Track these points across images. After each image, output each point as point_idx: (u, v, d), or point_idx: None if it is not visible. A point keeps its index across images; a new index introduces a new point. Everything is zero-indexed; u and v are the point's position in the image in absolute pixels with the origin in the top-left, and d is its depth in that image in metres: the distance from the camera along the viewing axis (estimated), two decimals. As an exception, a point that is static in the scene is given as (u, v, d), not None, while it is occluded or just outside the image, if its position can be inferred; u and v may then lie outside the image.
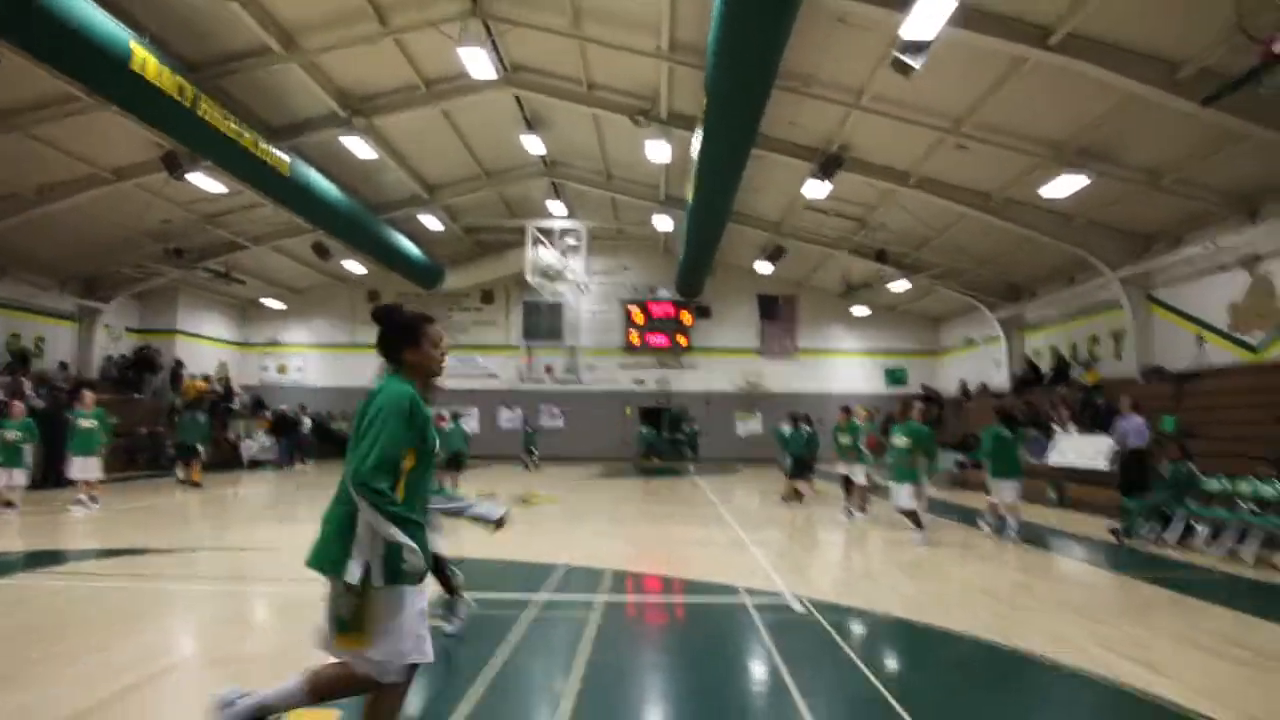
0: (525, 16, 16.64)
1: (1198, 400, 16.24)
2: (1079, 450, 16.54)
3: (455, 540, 10.87)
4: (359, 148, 20.19)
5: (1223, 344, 16.79)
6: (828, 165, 18.41)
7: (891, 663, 5.90)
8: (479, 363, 32.60)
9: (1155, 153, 15.20)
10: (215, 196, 21.25)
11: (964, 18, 12.29)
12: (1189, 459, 11.64)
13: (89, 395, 14.94)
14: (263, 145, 17.09)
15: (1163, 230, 17.86)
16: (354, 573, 3.37)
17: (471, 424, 31.44)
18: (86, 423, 14.46)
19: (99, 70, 13.08)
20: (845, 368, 31.17)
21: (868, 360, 31.62)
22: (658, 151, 20.11)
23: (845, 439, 14.79)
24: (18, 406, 14.10)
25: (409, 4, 16.17)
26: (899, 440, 11.67)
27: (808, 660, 5.79)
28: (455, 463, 17.71)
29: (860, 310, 29.90)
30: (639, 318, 31.97)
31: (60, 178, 19.31)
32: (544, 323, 32.44)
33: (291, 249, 27.14)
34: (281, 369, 33.08)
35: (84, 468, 14.35)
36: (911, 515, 11.55)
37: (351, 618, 3.40)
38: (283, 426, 27.96)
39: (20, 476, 13.36)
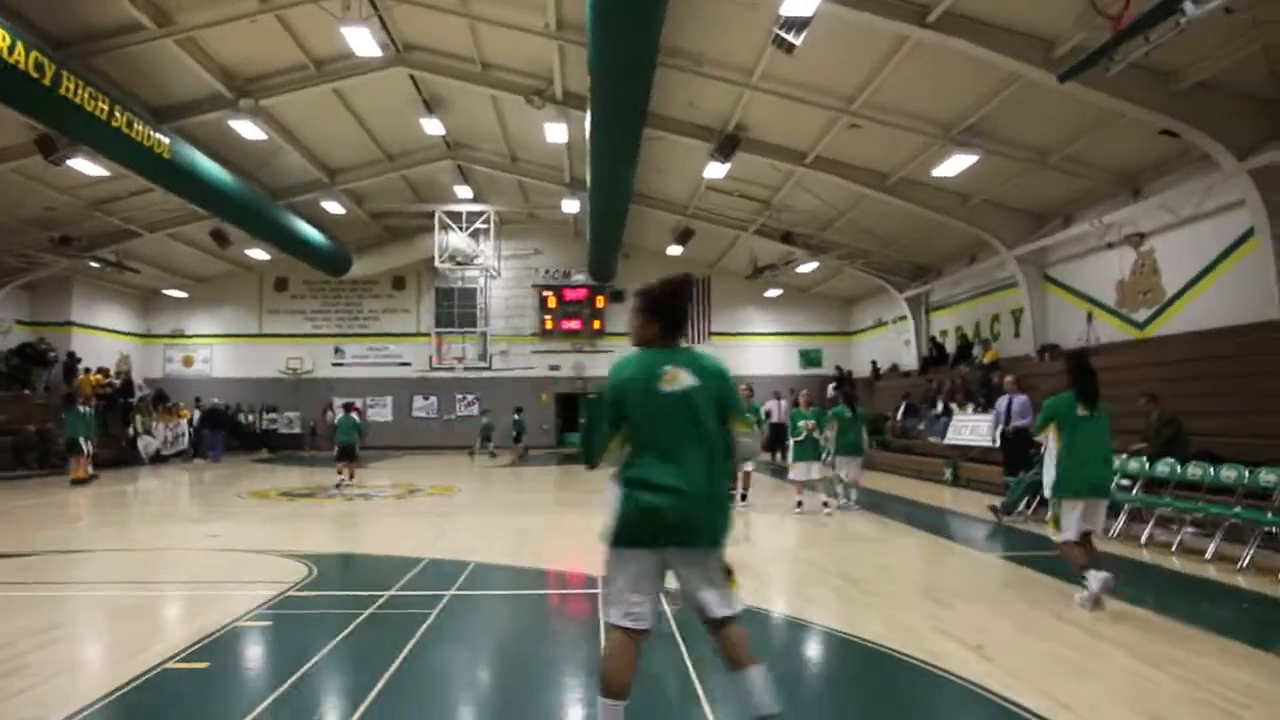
0: (413, -7, 16.17)
1: (1087, 376, 16.48)
2: (973, 429, 16.72)
3: (315, 535, 10.58)
4: (247, 129, 19.52)
5: (1112, 321, 17.09)
6: (725, 146, 18.30)
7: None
8: (391, 351, 31.96)
9: (1041, 131, 15.36)
10: (99, 181, 20.41)
11: (843, -6, 12.24)
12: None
13: None
14: (138, 126, 16.30)
15: (1054, 209, 18.14)
16: None
17: (384, 413, 30.98)
18: None
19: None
20: (760, 350, 31.19)
21: (782, 342, 31.72)
22: (556, 133, 19.86)
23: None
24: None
25: (290, -20, 15.61)
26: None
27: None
28: (347, 453, 17.37)
29: (772, 292, 29.96)
30: (552, 302, 31.59)
31: (-76, 163, 18.33)
32: (456, 309, 31.88)
33: (191, 236, 26.21)
34: (187, 361, 32.02)
35: None
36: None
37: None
38: (213, 420, 27.47)
39: None
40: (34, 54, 13.43)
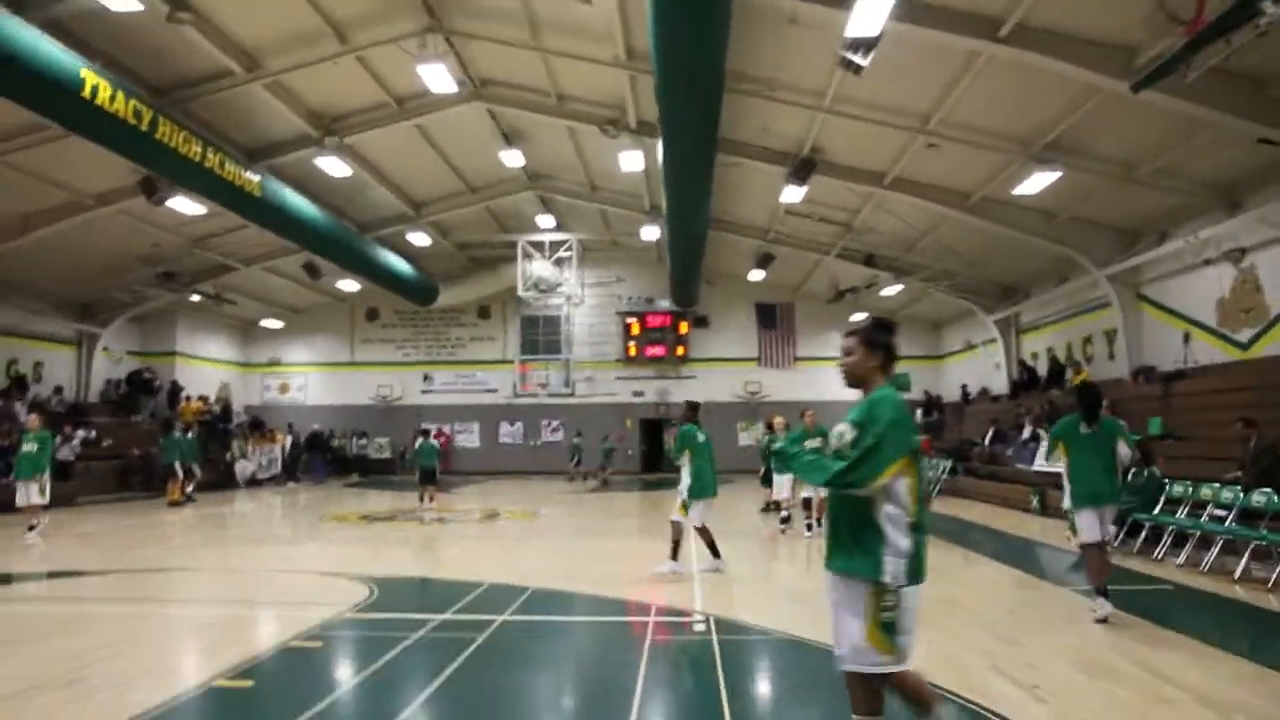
0: (485, 30, 16.54)
1: (1185, 401, 15.71)
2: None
3: (385, 559, 10.70)
4: (334, 166, 20.20)
5: (1212, 341, 16.25)
6: (800, 169, 18.12)
7: (764, 687, 5.60)
8: (478, 378, 32.53)
9: (1126, 144, 14.76)
10: (197, 219, 21.37)
11: (910, 13, 12.05)
12: (1151, 463, 11.20)
13: (34, 418, 14.83)
14: (230, 166, 17.03)
15: (1147, 225, 17.38)
16: None
17: (472, 439, 31.49)
18: (29, 446, 13.72)
19: (52, 98, 13.06)
20: (845, 375, 30.71)
21: (869, 367, 31.05)
22: (631, 161, 20.01)
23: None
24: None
25: (368, 22, 16.11)
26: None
27: (672, 682, 5.52)
28: (428, 478, 17.74)
29: (857, 316, 29.39)
30: (635, 328, 31.71)
31: (42, 205, 19.49)
32: (541, 336, 32.28)
33: (284, 269, 27.21)
34: (283, 388, 33.20)
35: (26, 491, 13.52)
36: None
37: None
38: (314, 445, 29.29)
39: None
40: (133, 102, 14.16)
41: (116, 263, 23.54)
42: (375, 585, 8.91)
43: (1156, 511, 10.80)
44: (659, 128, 15.38)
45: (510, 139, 21.31)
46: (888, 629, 3.46)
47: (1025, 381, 22.87)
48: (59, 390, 23.82)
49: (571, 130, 20.49)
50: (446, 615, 7.52)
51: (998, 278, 23.47)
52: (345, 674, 5.66)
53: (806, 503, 13.39)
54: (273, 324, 32.16)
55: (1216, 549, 9.49)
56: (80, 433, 21.94)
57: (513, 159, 22.01)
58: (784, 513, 13.82)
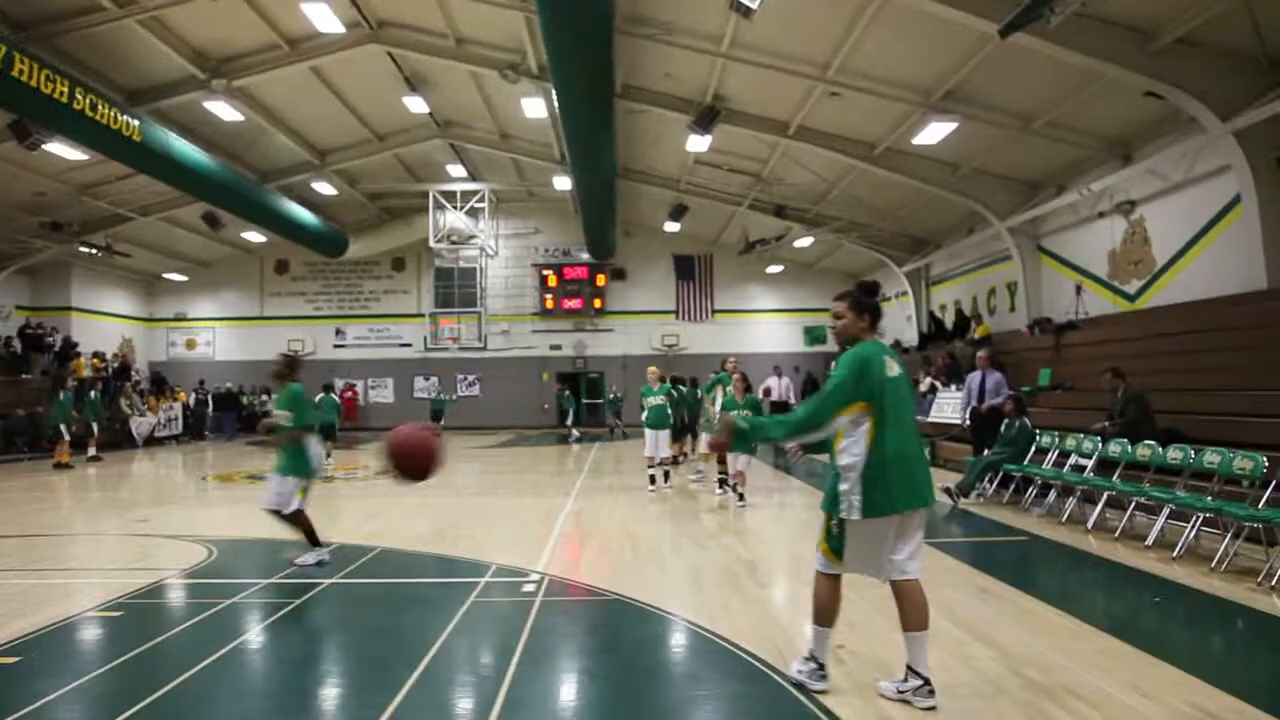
0: (372, -34, 15.83)
1: (1075, 352, 15.87)
2: (952, 407, 16.13)
3: (245, 520, 10.21)
4: (223, 110, 19.41)
5: (1102, 292, 16.40)
6: (704, 117, 17.78)
7: (550, 641, 5.39)
8: (392, 332, 31.87)
9: (1021, 95, 14.67)
10: (82, 165, 20.39)
11: (795, -46, 11.70)
12: (1024, 414, 11.24)
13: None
14: (104, 109, 16.06)
15: (1046, 178, 17.42)
16: None
17: (386, 394, 30.94)
18: None
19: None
20: (764, 328, 30.69)
21: (786, 319, 31.14)
22: (534, 108, 19.51)
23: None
24: None
25: (247, -45, 15.30)
26: None
27: (470, 644, 5.29)
28: (328, 433, 17.32)
29: (774, 269, 29.38)
30: (553, 281, 31.28)
31: (-95, 148, 18.35)
32: (457, 289, 31.68)
33: (185, 220, 26.19)
34: (190, 344, 32.18)
35: None
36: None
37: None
38: (224, 403, 28.89)
39: None
40: (-16, 36, 13.23)
41: (-1, 211, 22.39)
42: (216, 548, 8.54)
43: (1026, 463, 10.83)
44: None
45: (414, 85, 20.57)
46: (835, 547, 4.34)
47: (933, 334, 23.01)
48: (-65, 345, 22.73)
49: (475, 75, 19.83)
50: (273, 580, 7.19)
51: (909, 230, 23.47)
52: (125, 647, 5.29)
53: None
54: (177, 278, 31.04)
55: (1073, 500, 9.53)
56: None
57: (416, 105, 21.31)
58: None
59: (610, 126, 17.53)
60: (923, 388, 18.50)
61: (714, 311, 30.78)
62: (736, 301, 30.89)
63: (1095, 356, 14.96)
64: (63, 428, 18.27)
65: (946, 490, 11.10)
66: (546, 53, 14.09)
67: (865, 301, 4.34)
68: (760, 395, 21.39)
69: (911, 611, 4.26)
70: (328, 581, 7.12)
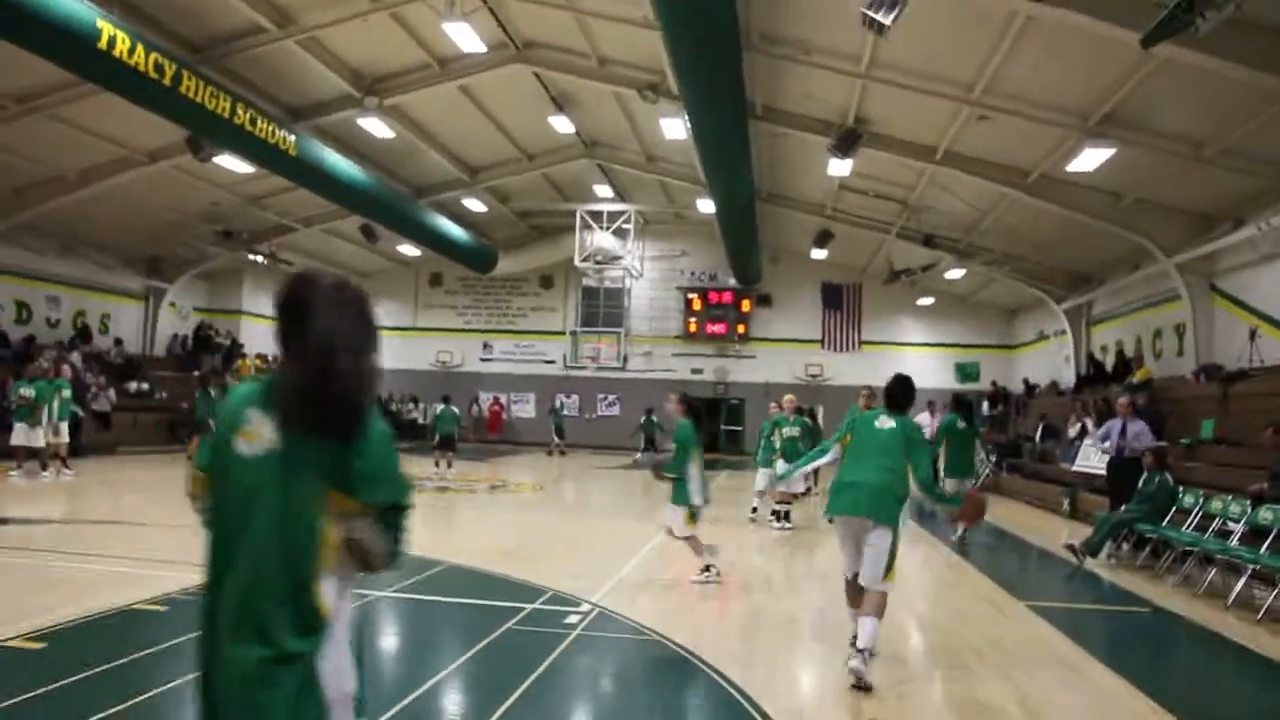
0: (515, -13, 16.11)
1: (1246, 403, 14.22)
2: (1100, 456, 14.77)
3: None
4: (375, 127, 20.21)
5: (1282, 338, 14.71)
6: (845, 140, 17.11)
7: (560, 681, 5.05)
8: (537, 348, 32.42)
9: (1189, 118, 13.39)
10: (250, 178, 21.67)
11: (930, -34, 11.07)
12: (1165, 468, 10.07)
13: (65, 367, 15.35)
14: (262, 123, 16.98)
15: (1220, 210, 15.81)
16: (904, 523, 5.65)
17: (527, 409, 31.45)
18: (66, 392, 14.95)
19: (67, 48, 13.10)
20: (913, 362, 29.23)
21: (937, 354, 29.69)
22: (674, 129, 19.34)
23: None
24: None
25: (397, -23, 15.86)
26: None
27: (484, 672, 5.04)
28: (446, 444, 17.67)
29: (924, 300, 28.10)
30: (697, 304, 31.04)
31: (96, 160, 20.01)
32: (602, 309, 31.92)
33: (345, 231, 27.47)
34: (348, 350, 33.68)
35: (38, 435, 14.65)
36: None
37: (891, 560, 5.32)
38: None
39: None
40: (154, 55, 14.12)
41: (178, 219, 24.14)
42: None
43: (1165, 523, 9.68)
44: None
45: (560, 104, 20.84)
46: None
47: (1091, 376, 21.33)
48: (119, 343, 24.63)
49: (618, 96, 19.90)
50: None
51: (1068, 264, 21.89)
52: (141, 644, 5.32)
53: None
54: (339, 287, 32.60)
55: (1214, 570, 8.40)
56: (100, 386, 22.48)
57: (563, 125, 21.59)
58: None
59: (746, 148, 17.18)
60: (1072, 433, 17.13)
61: (861, 342, 29.74)
62: (885, 333, 29.73)
63: (1268, 409, 13.38)
64: (211, 423, 19.30)
65: (1070, 548, 10.08)
66: (675, 72, 13.93)
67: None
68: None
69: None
70: (376, 594, 7.04)
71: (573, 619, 6.48)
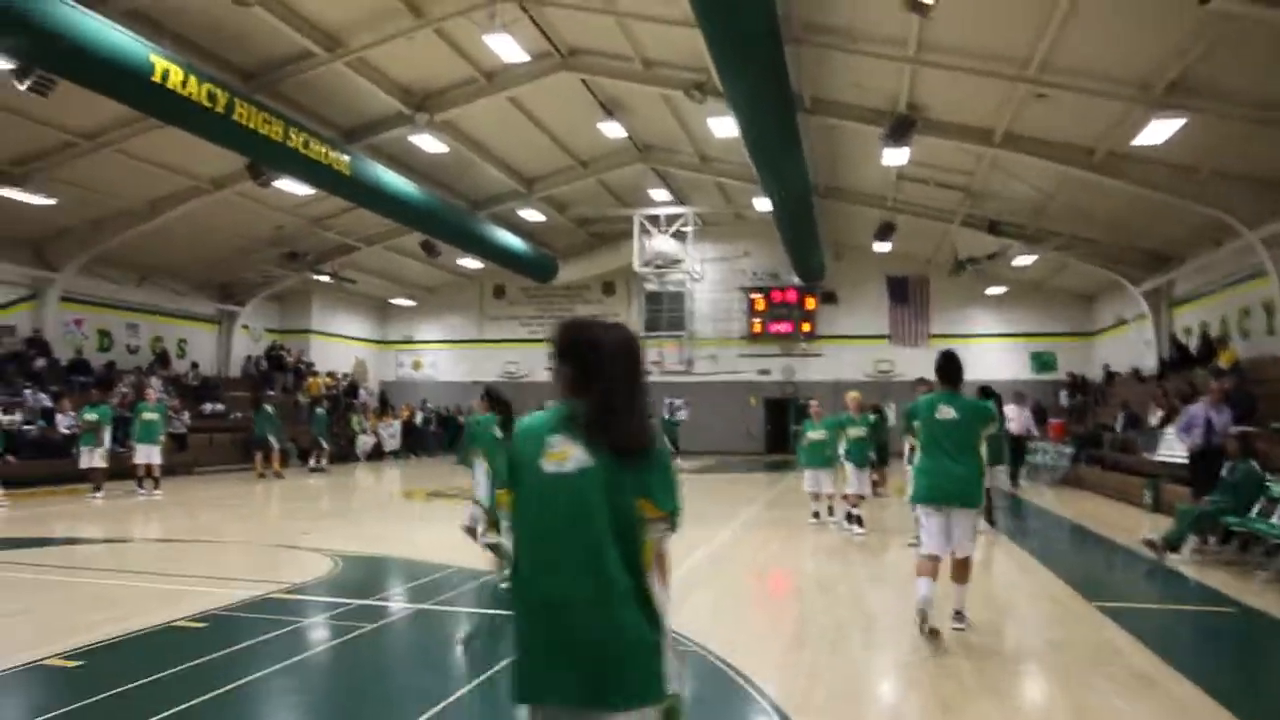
0: (553, -5, 16.04)
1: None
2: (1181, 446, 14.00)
3: (389, 536, 10.39)
4: (427, 143, 20.36)
5: (1382, 313, 13.77)
6: (897, 128, 16.62)
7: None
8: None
9: (1263, 80, 12.54)
10: (311, 200, 22.03)
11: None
12: (1252, 456, 9.43)
13: (152, 392, 15.84)
14: (315, 146, 17.19)
15: (1305, 178, 14.89)
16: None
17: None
18: (150, 415, 15.42)
19: (124, 84, 13.42)
20: (984, 353, 28.36)
21: (1011, 344, 28.71)
22: (723, 127, 19.01)
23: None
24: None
25: (438, -6, 15.90)
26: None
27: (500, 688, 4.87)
28: None
29: (994, 289, 27.21)
30: (761, 305, 30.61)
31: (165, 191, 20.58)
32: (665, 313, 31.71)
33: (406, 248, 27.73)
34: (416, 365, 34.22)
35: (148, 454, 15.57)
36: None
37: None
38: (442, 422, 30.87)
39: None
40: (206, 85, 14.38)
41: (245, 244, 24.72)
42: (344, 563, 8.66)
43: (1254, 514, 9.05)
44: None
45: (609, 110, 20.75)
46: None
47: (1176, 361, 20.33)
48: (195, 366, 25.29)
49: (666, 98, 19.72)
50: (368, 600, 7.12)
51: (1144, 244, 20.90)
52: (174, 662, 5.29)
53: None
54: (405, 302, 33.16)
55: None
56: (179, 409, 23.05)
57: (613, 130, 21.52)
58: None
59: (797, 142, 16.80)
60: (1153, 420, 16.32)
61: (929, 336, 28.95)
62: (954, 325, 28.88)
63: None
64: (271, 439, 19.73)
65: (1149, 543, 9.51)
66: (717, 69, 13.69)
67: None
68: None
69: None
70: (417, 607, 6.96)
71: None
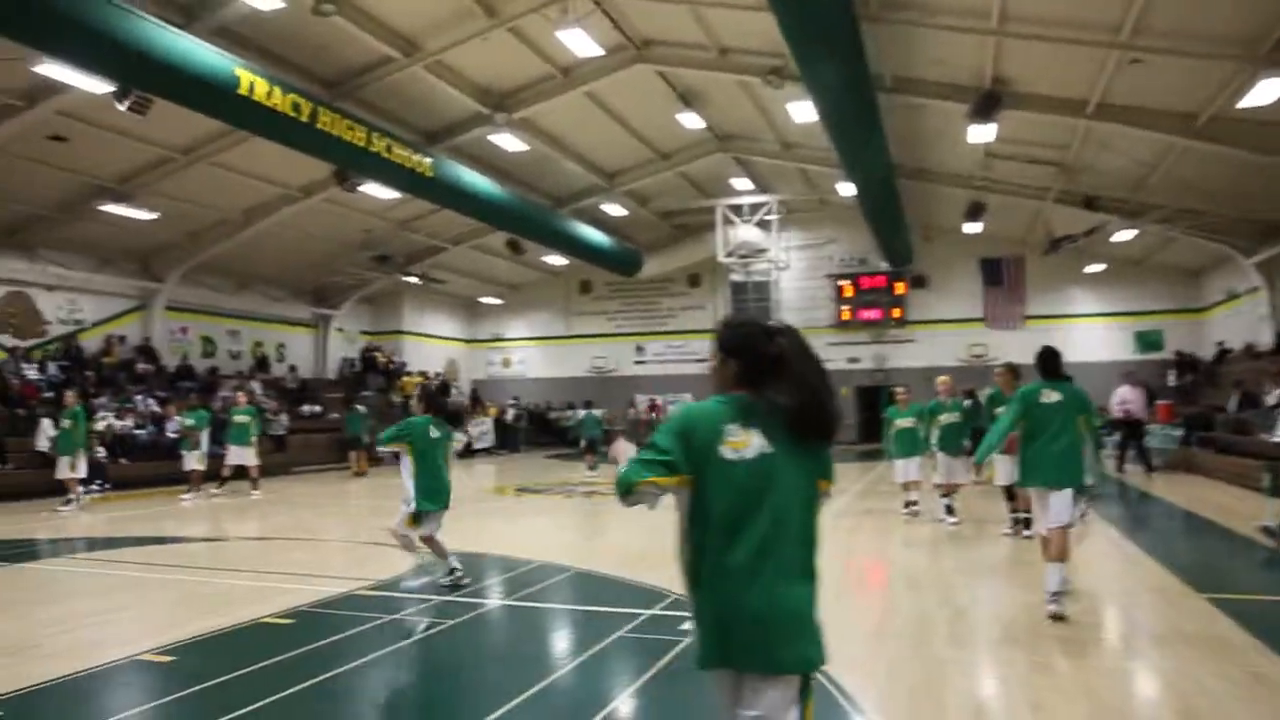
0: (624, -15, 15.97)
1: None
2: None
3: (477, 533, 10.49)
4: (508, 142, 20.54)
5: None
6: (983, 104, 16.09)
7: (659, 693, 4.78)
8: (690, 348, 32.22)
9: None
10: (397, 203, 22.51)
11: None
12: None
13: (242, 396, 16.38)
14: (398, 150, 17.49)
15: None
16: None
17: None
18: (241, 418, 15.94)
19: (212, 98, 13.87)
20: (1084, 334, 27.25)
21: (1112, 324, 27.52)
22: (802, 111, 18.68)
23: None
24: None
25: (510, -8, 15.99)
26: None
27: (569, 684, 4.85)
28: (591, 447, 18.03)
29: (1094, 267, 26.13)
30: (849, 291, 30.06)
31: (257, 200, 21.33)
32: (751, 303, 31.35)
33: (494, 247, 28.11)
34: (505, 363, 34.67)
35: (240, 455, 16.04)
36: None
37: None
38: (531, 418, 31.55)
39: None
40: (290, 96, 14.78)
41: (336, 249, 25.43)
42: (426, 559, 8.77)
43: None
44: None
45: (687, 100, 20.62)
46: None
47: (1294, 336, 19.20)
48: (293, 369, 26.11)
49: (744, 85, 19.49)
50: (449, 597, 7.18)
51: (1256, 214, 19.72)
52: (260, 657, 5.42)
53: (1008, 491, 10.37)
54: (493, 301, 33.64)
55: None
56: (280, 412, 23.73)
57: (691, 121, 21.38)
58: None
59: (877, 123, 16.40)
60: (1270, 400, 15.43)
61: (1025, 318, 27.98)
62: (1051, 306, 27.85)
63: None
64: (362, 438, 20.24)
65: (1267, 530, 8.98)
66: (792, 52, 13.43)
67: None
68: (1118, 413, 18.35)
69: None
70: (496, 603, 7.03)
71: (689, 625, 6.16)
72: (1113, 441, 18.04)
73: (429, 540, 7.48)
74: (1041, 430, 6.29)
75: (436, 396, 8.21)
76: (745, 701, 2.43)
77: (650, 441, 2.59)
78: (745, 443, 2.51)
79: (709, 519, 2.51)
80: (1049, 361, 6.58)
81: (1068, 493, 6.19)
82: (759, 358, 2.63)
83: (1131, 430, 18.08)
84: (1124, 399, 18.24)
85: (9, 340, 19.38)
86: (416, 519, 7.33)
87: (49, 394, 17.24)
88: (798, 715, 2.43)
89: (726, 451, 2.50)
